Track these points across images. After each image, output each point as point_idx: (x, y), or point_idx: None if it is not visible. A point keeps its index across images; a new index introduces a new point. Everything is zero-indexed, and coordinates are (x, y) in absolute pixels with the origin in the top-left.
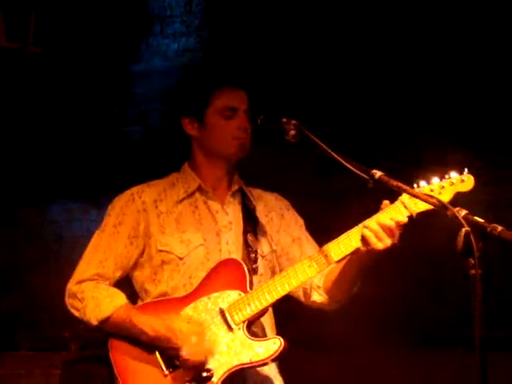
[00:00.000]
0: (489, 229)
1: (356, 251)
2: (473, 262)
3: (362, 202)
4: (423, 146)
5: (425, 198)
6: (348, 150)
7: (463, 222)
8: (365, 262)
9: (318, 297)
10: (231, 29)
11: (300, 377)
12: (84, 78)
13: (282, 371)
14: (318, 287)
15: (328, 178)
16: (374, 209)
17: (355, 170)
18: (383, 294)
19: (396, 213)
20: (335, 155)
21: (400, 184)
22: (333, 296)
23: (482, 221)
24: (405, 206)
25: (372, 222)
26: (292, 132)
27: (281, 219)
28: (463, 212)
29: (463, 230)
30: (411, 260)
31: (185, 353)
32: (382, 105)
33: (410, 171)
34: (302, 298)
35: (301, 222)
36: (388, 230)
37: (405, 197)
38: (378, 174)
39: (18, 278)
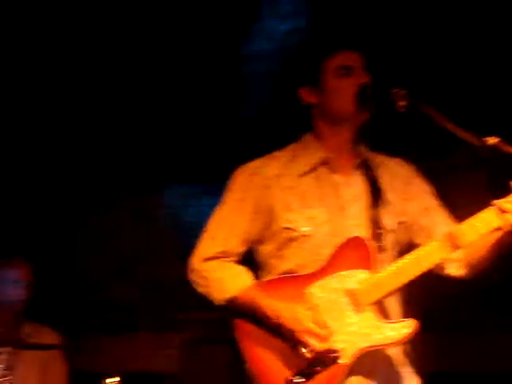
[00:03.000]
0: None
1: (489, 234)
2: None
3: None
4: None
5: None
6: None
7: None
8: (498, 242)
9: (453, 270)
10: (335, 7)
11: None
12: (197, 61)
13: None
14: (453, 260)
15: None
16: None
17: (468, 138)
18: None
19: None
20: (448, 123)
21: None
22: (471, 268)
23: None
24: None
25: (509, 203)
26: (402, 102)
27: (408, 187)
28: None
29: None
30: None
31: (307, 338)
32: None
33: None
34: (437, 271)
35: (430, 189)
36: None
37: None
38: (492, 140)
39: (136, 264)
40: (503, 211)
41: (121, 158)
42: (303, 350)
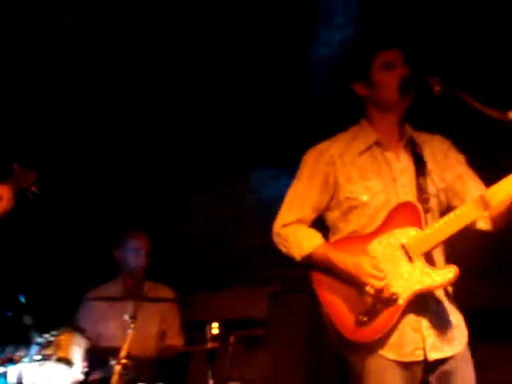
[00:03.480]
0: None
1: None
2: None
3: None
4: None
5: None
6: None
7: None
8: None
9: (484, 225)
10: (382, 17)
11: None
12: (273, 66)
13: None
14: (483, 217)
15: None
16: None
17: (494, 114)
18: None
19: None
20: (476, 103)
21: None
22: (496, 225)
23: None
24: None
25: None
26: (437, 88)
27: (445, 159)
28: None
29: None
30: None
31: (370, 284)
32: None
33: None
34: (471, 226)
35: (463, 159)
36: None
37: None
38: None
39: (230, 233)
40: None
41: (217, 148)
42: (366, 289)
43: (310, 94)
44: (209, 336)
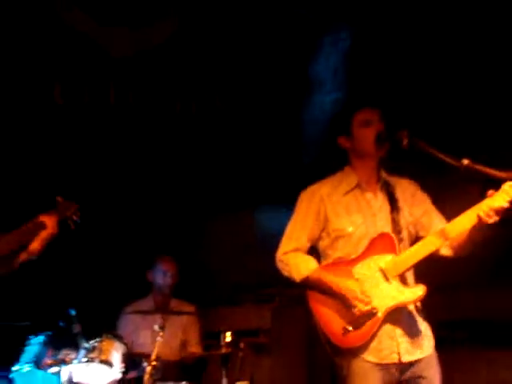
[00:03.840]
0: None
1: (468, 229)
2: None
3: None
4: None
5: (505, 176)
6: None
7: None
8: (476, 233)
9: (446, 251)
10: (363, 83)
11: None
12: (269, 124)
13: None
14: (445, 246)
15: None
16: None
17: (451, 161)
18: None
19: (500, 198)
20: (437, 152)
21: (485, 168)
22: (455, 252)
23: None
24: (507, 193)
25: (484, 207)
26: (405, 141)
27: (413, 197)
28: None
29: None
30: None
31: (356, 303)
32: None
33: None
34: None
35: (427, 198)
36: (495, 211)
37: (506, 185)
38: (466, 161)
39: (233, 261)
40: (479, 212)
41: (229, 190)
42: (354, 310)
43: (305, 146)
44: (223, 343)
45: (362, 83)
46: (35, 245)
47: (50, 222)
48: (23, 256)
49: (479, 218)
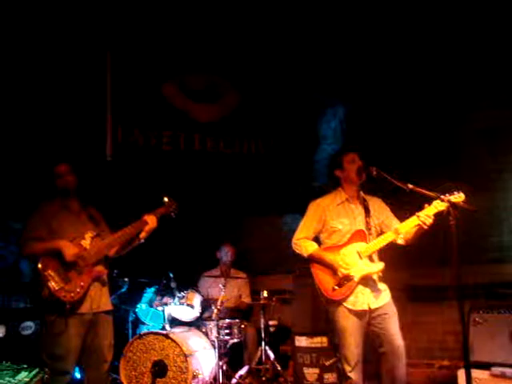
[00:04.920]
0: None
1: (413, 228)
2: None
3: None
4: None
5: (429, 194)
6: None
7: (446, 201)
8: (419, 230)
9: (401, 241)
10: (351, 140)
11: None
12: (290, 163)
13: None
14: (401, 238)
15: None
16: (418, 208)
17: (401, 185)
18: None
19: (432, 209)
20: (393, 180)
21: (422, 190)
22: (407, 242)
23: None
24: (435, 207)
25: (422, 214)
26: (374, 173)
27: (380, 208)
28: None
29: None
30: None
31: (339, 268)
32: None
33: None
34: (393, 241)
35: (388, 208)
36: (430, 217)
37: (435, 202)
38: (410, 186)
39: (269, 247)
40: (419, 217)
41: (267, 203)
42: (338, 273)
43: (315, 176)
44: (262, 297)
45: (351, 138)
46: (142, 235)
47: (151, 220)
48: (135, 242)
49: (419, 221)
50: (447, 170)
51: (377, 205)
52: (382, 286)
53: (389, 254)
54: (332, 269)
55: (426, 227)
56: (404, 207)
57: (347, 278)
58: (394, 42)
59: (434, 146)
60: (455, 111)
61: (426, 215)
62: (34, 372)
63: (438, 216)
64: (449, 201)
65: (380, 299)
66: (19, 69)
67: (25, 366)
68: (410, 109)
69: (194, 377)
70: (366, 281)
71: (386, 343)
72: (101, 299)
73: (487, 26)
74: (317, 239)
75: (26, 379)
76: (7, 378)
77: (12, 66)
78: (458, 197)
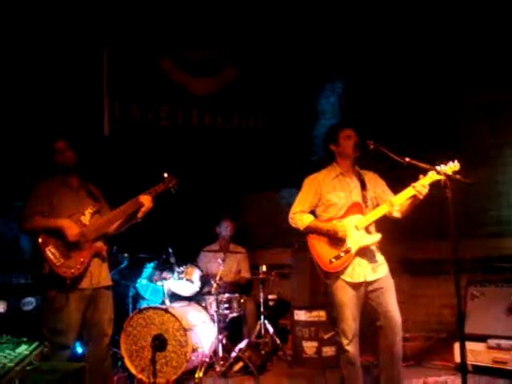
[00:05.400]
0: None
1: (408, 199)
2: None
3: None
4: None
5: (425, 166)
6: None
7: (442, 173)
8: (414, 202)
9: (397, 214)
10: (349, 114)
11: None
12: (290, 138)
13: None
14: (396, 210)
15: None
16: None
17: (398, 159)
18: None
19: (427, 179)
20: (391, 154)
21: (418, 162)
22: (402, 214)
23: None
24: (430, 177)
25: (418, 184)
26: (371, 146)
27: (375, 182)
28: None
29: (443, 177)
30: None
31: (338, 231)
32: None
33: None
34: (388, 215)
35: (383, 182)
36: (425, 187)
37: (430, 173)
38: (407, 159)
39: (268, 221)
40: (415, 187)
41: (266, 178)
42: (337, 235)
43: (313, 150)
44: (261, 272)
45: (349, 113)
46: (139, 214)
47: (146, 201)
48: (133, 220)
49: (415, 191)
50: (447, 145)
51: (372, 179)
52: (380, 259)
53: (387, 227)
54: (330, 236)
55: (421, 197)
56: (400, 182)
57: (345, 250)
58: (394, 15)
59: (434, 121)
60: (455, 86)
61: (422, 185)
62: (33, 345)
63: (434, 186)
64: (445, 173)
65: (377, 272)
66: (16, 47)
67: (25, 339)
68: (410, 83)
69: (194, 350)
70: (363, 253)
71: (382, 318)
72: (101, 275)
73: (488, 2)
74: (313, 214)
75: (26, 352)
76: (7, 351)
77: (9, 44)
78: (454, 166)
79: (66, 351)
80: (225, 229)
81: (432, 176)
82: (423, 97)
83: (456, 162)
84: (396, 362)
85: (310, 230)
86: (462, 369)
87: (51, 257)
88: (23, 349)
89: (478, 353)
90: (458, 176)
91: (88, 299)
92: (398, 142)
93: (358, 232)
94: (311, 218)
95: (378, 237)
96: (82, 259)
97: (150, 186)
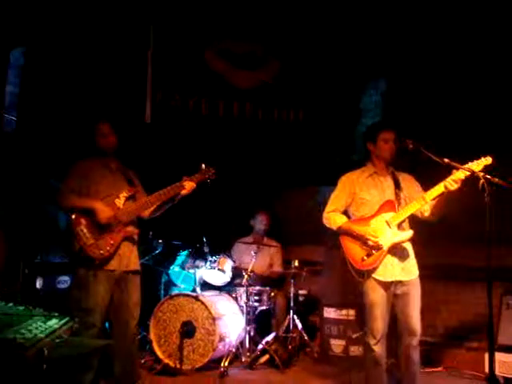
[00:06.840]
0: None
1: (440, 195)
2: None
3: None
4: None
5: (464, 168)
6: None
7: (481, 176)
8: (443, 198)
9: (428, 216)
10: (392, 114)
11: None
12: (333, 136)
13: None
14: (427, 210)
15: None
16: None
17: (438, 160)
18: None
19: (459, 174)
20: (429, 154)
21: (455, 163)
22: (433, 215)
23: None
24: (463, 172)
25: (449, 179)
26: (410, 146)
27: (410, 183)
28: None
29: (481, 180)
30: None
31: (369, 237)
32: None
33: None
34: (420, 216)
35: (418, 184)
36: (456, 182)
37: (460, 171)
38: (446, 160)
39: (302, 217)
40: (445, 186)
41: (305, 177)
42: (367, 242)
43: (355, 149)
44: (293, 267)
45: (391, 113)
46: (176, 197)
47: (189, 186)
48: (169, 203)
49: (445, 187)
50: (490, 148)
51: (407, 180)
52: (412, 259)
53: (424, 230)
54: (361, 240)
55: (452, 188)
56: (424, 179)
57: (376, 248)
58: (444, 14)
59: (476, 124)
60: (498, 88)
61: (452, 179)
62: (64, 320)
63: (476, 192)
64: (484, 176)
65: (408, 273)
66: (65, 30)
67: (56, 314)
68: (454, 84)
69: (221, 339)
70: (395, 251)
71: (403, 323)
72: (130, 258)
73: None
74: (346, 214)
75: (56, 326)
76: (39, 323)
77: (58, 27)
78: (485, 160)
79: (93, 330)
80: (259, 222)
81: (464, 172)
82: (467, 97)
83: (488, 156)
84: (411, 366)
85: (342, 231)
86: (491, 380)
87: (82, 235)
88: (54, 322)
89: (510, 365)
90: (496, 179)
91: (116, 281)
92: (441, 143)
93: (390, 229)
94: (344, 219)
95: (410, 233)
96: (112, 241)
97: (190, 176)
